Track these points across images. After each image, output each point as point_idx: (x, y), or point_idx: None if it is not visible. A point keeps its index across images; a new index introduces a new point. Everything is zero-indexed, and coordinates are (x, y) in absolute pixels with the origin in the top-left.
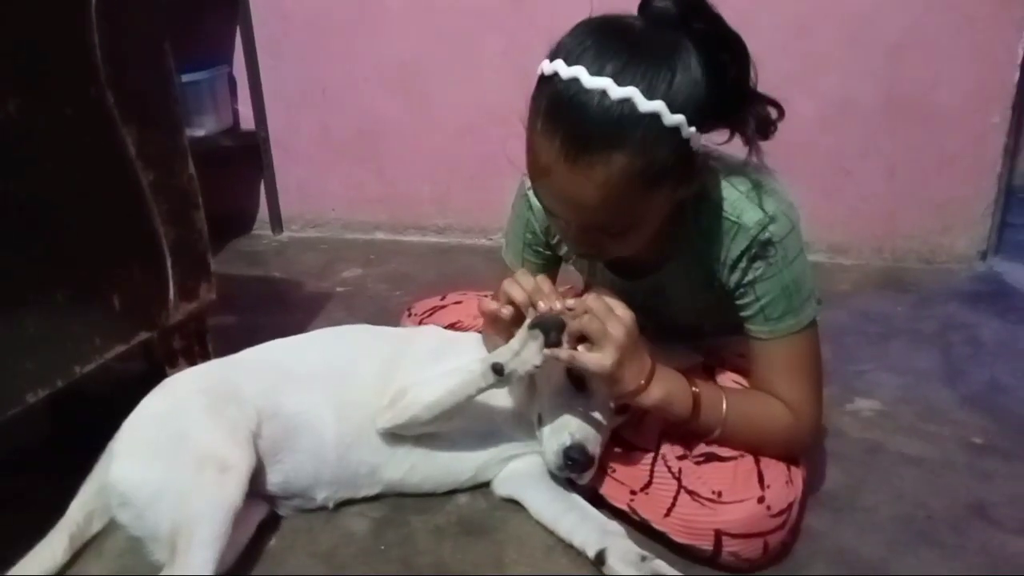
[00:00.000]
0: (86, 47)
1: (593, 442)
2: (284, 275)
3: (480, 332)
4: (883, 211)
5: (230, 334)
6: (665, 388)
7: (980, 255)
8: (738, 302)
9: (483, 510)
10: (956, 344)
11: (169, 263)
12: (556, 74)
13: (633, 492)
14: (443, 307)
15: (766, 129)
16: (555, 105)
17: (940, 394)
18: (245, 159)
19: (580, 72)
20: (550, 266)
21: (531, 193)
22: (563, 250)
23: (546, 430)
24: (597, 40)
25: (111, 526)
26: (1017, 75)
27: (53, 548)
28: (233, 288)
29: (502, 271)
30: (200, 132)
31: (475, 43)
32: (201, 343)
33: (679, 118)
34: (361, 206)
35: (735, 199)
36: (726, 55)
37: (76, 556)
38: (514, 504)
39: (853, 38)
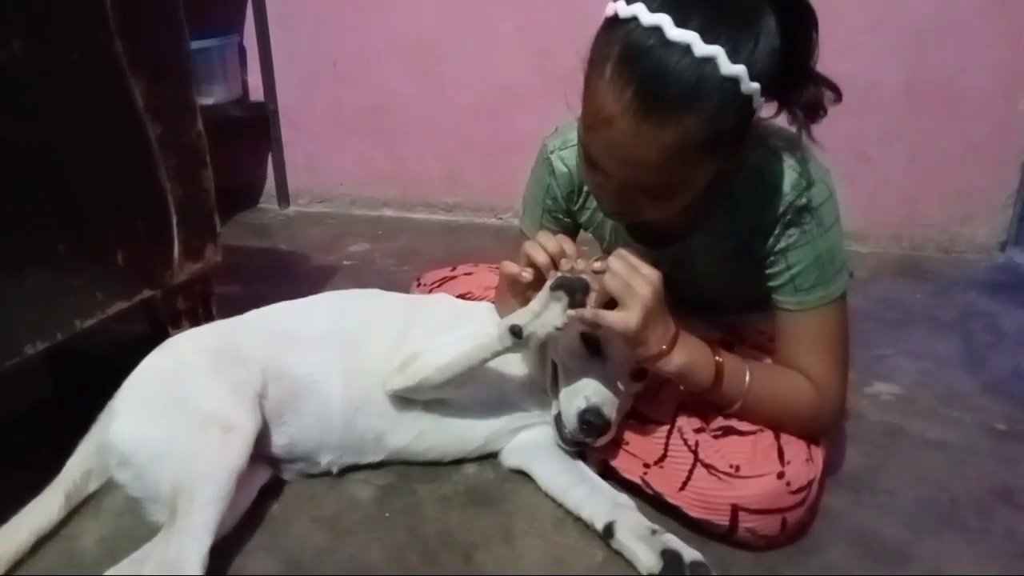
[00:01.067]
0: None
1: (609, 405)
2: (290, 248)
3: (492, 302)
4: (903, 198)
5: (234, 303)
6: (688, 355)
7: (1000, 246)
8: (768, 271)
9: (491, 480)
10: (976, 332)
11: (175, 221)
12: (635, 19)
13: (647, 465)
14: (453, 278)
15: (816, 111)
16: (631, 53)
17: (961, 380)
18: (253, 131)
19: (664, 21)
20: (568, 233)
21: (554, 157)
22: (583, 217)
23: (561, 395)
24: None
25: (109, 486)
26: None
27: (48, 505)
28: (238, 259)
29: (513, 248)
30: (209, 101)
31: (490, 19)
32: (205, 305)
33: (755, 86)
34: (370, 182)
35: (772, 164)
36: (800, 27)
37: (72, 515)
38: (523, 475)
39: (878, 20)
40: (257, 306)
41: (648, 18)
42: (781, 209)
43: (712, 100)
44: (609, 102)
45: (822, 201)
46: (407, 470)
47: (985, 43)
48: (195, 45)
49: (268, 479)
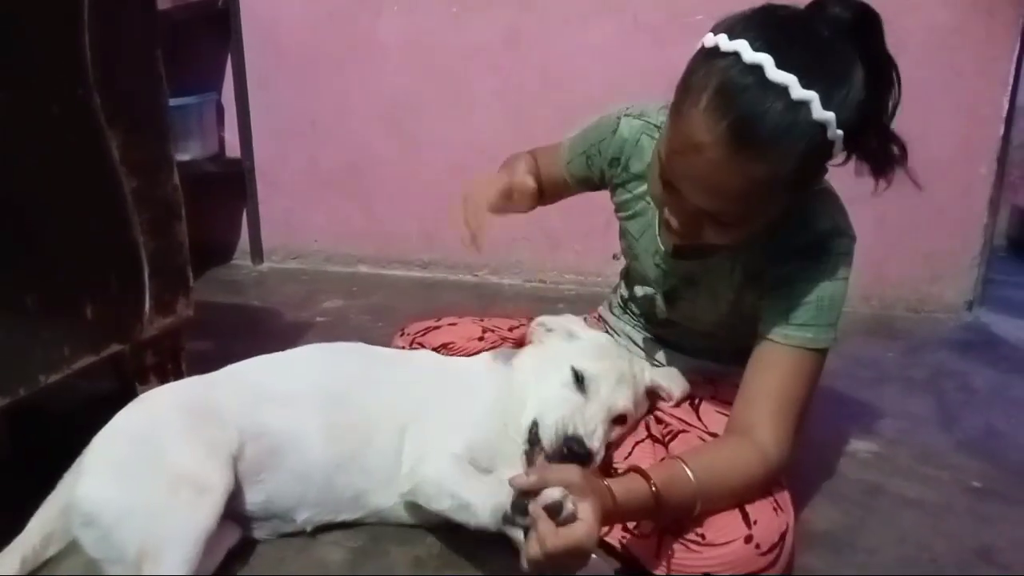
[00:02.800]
0: (76, 47)
1: (592, 439)
2: (263, 304)
3: (472, 355)
4: (872, 259)
5: (205, 360)
6: (623, 519)
7: (967, 305)
8: (766, 298)
9: (466, 542)
10: (949, 391)
11: (147, 274)
12: (737, 54)
13: (625, 528)
14: (437, 327)
15: (886, 165)
16: (731, 87)
17: (936, 438)
18: (229, 188)
19: (767, 62)
20: (583, 184)
21: (624, 120)
22: (621, 196)
23: (547, 421)
24: (783, 32)
25: (68, 549)
26: (1002, 129)
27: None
28: (210, 315)
29: (488, 305)
30: (185, 157)
31: (468, 81)
32: (175, 361)
33: (839, 133)
34: (345, 239)
35: (814, 205)
36: (885, 84)
37: None
38: (499, 537)
39: None
40: (228, 363)
41: (750, 56)
42: (804, 242)
43: (802, 142)
44: (701, 131)
45: (842, 252)
46: (380, 532)
47: (946, 111)
48: (173, 102)
49: (236, 541)
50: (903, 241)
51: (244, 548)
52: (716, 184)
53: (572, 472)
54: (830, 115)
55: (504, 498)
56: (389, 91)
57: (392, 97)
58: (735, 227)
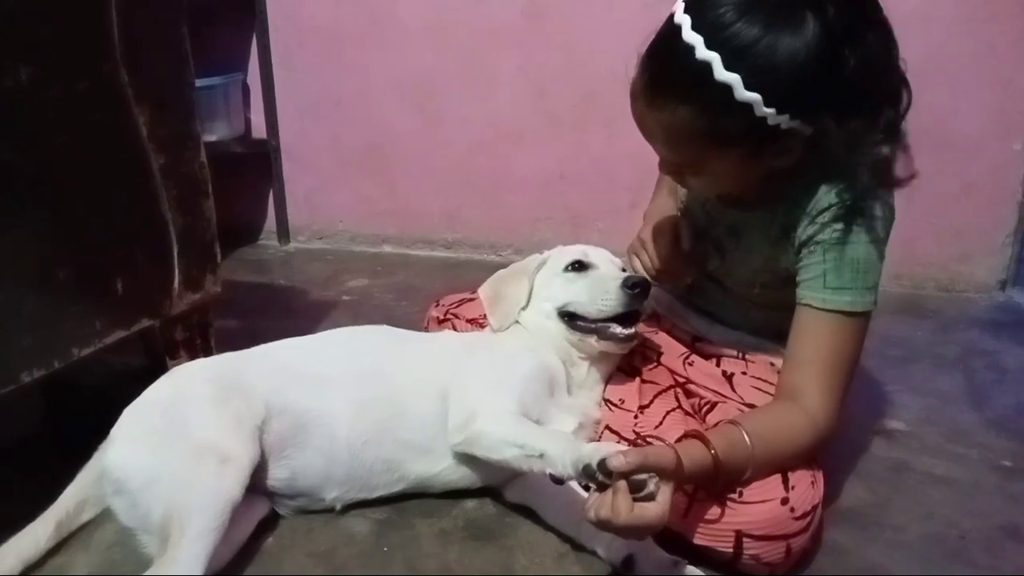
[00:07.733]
0: (103, 23)
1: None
2: (289, 283)
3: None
4: (901, 238)
5: (232, 337)
6: (688, 479)
7: (999, 284)
8: (803, 263)
9: (491, 515)
10: (979, 369)
11: (176, 251)
12: (674, 14)
13: None
14: (472, 299)
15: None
16: (656, 43)
17: (965, 416)
18: (255, 168)
19: (685, 22)
20: None
21: None
22: None
23: (581, 299)
24: None
25: (102, 518)
26: None
27: (36, 535)
28: (237, 294)
29: None
30: (211, 138)
31: (490, 60)
32: (204, 336)
33: (752, 96)
34: (370, 219)
35: (853, 171)
36: (847, 48)
37: (62, 545)
38: (523, 510)
39: None
40: (255, 341)
41: (678, 17)
42: (839, 199)
43: (703, 99)
44: (635, 81)
45: (879, 216)
46: (405, 504)
47: (978, 85)
48: (199, 83)
49: (266, 513)
50: (934, 219)
51: (273, 519)
52: (647, 129)
53: (667, 458)
54: (732, 76)
55: (586, 451)
56: (411, 69)
57: (414, 75)
58: (695, 176)
